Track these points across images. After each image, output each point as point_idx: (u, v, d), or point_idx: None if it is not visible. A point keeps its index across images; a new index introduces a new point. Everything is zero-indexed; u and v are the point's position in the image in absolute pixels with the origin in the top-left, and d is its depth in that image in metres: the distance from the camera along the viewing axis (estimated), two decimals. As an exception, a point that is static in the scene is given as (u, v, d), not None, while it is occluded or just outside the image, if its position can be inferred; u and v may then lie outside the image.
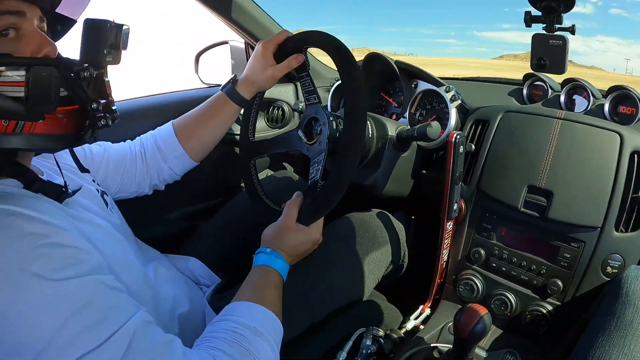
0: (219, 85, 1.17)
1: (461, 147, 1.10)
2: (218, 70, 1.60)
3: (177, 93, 1.52)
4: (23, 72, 0.61)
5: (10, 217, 0.60)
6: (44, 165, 0.83)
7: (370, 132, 1.16)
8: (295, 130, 1.06)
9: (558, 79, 1.30)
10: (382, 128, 1.19)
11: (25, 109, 0.62)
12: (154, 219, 1.35)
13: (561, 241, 1.07)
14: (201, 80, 1.58)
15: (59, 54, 0.72)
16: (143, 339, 0.64)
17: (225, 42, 1.56)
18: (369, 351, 1.04)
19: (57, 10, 0.73)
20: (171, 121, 1.17)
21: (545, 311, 1.06)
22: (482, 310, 0.86)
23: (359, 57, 1.23)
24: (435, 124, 1.11)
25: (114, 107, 0.73)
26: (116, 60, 0.72)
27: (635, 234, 1.02)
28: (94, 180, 0.97)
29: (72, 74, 0.65)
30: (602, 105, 1.23)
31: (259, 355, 0.75)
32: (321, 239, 1.02)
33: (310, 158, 1.01)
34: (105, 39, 0.69)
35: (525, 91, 1.38)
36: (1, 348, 0.56)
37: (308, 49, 1.08)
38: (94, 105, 0.68)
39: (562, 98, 1.29)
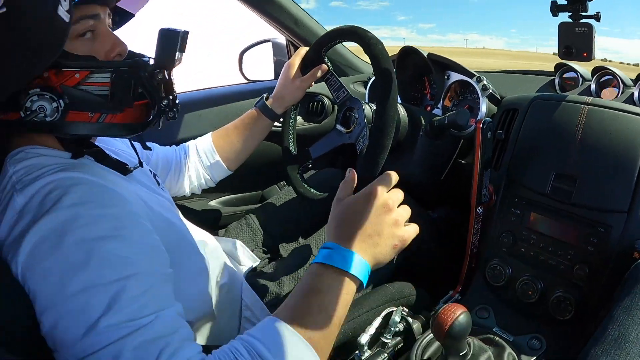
0: (261, 80, 1.27)
1: (489, 133, 1.13)
2: (262, 67, 1.70)
3: (224, 87, 1.64)
4: (108, 75, 0.74)
5: (91, 184, 0.70)
6: (110, 144, 0.96)
7: (403, 120, 1.21)
8: (333, 130, 1.13)
9: (589, 67, 1.30)
10: (415, 117, 1.24)
11: (108, 104, 0.74)
12: (205, 203, 1.44)
13: (588, 226, 1.06)
14: (245, 77, 1.68)
15: (130, 51, 0.83)
16: (152, 333, 0.62)
17: (268, 40, 1.66)
18: (397, 329, 1.06)
19: (119, 5, 0.84)
20: (211, 132, 1.30)
21: (571, 296, 1.05)
22: (458, 310, 0.86)
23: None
24: (464, 111, 1.15)
25: (177, 102, 0.85)
26: (180, 62, 0.85)
27: None
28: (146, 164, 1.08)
29: (146, 74, 0.77)
30: (632, 93, 1.23)
31: None
32: (404, 211, 0.79)
33: (353, 143, 1.08)
34: (177, 47, 0.81)
35: (557, 81, 1.39)
36: (27, 285, 0.63)
37: (329, 50, 1.16)
38: (164, 102, 0.81)
39: (593, 86, 1.29)
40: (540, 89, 1.41)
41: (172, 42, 0.80)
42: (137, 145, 1.05)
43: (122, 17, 0.92)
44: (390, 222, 0.76)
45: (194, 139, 1.31)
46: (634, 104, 1.21)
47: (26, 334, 0.63)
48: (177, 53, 0.81)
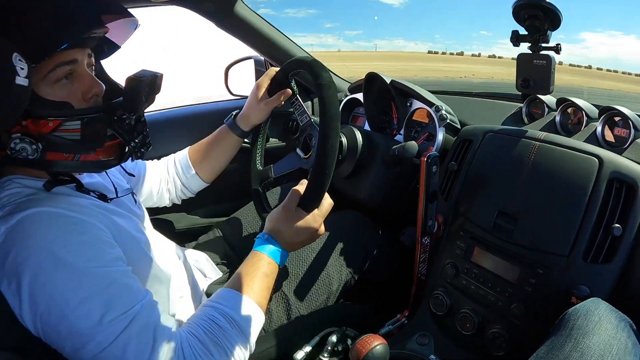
0: (246, 97, 1.33)
1: (434, 167, 1.14)
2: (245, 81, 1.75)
3: (209, 104, 1.71)
4: (78, 122, 0.82)
5: (56, 216, 0.79)
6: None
7: (359, 146, 1.24)
8: (294, 152, 1.18)
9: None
10: (373, 144, 1.27)
11: (81, 146, 0.83)
12: (179, 215, 1.53)
13: (528, 266, 1.06)
14: (230, 92, 1.74)
15: (111, 85, 0.94)
16: (144, 318, 0.79)
17: (250, 57, 1.71)
18: (335, 348, 1.10)
19: (106, 36, 0.91)
20: (188, 147, 1.38)
21: (506, 333, 1.06)
22: (375, 341, 0.90)
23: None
24: (411, 144, 1.16)
25: (148, 140, 0.94)
26: (151, 102, 0.93)
27: (606, 266, 0.98)
28: (127, 182, 1.17)
29: (115, 117, 0.85)
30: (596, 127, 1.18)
31: (231, 348, 0.85)
32: (322, 232, 1.06)
33: (307, 170, 1.12)
34: (143, 92, 0.87)
35: (524, 109, 1.35)
36: (39, 309, 0.75)
37: (295, 75, 1.19)
38: (132, 144, 0.90)
39: (558, 118, 1.25)
40: (507, 118, 1.38)
41: (137, 90, 0.86)
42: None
43: (109, 46, 0.99)
44: (312, 239, 1.06)
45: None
46: (596, 139, 1.17)
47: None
48: (145, 98, 0.88)
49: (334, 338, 1.11)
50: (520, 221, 1.08)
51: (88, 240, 0.80)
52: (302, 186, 1.05)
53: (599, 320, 0.84)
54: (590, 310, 0.87)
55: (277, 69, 1.26)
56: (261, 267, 0.98)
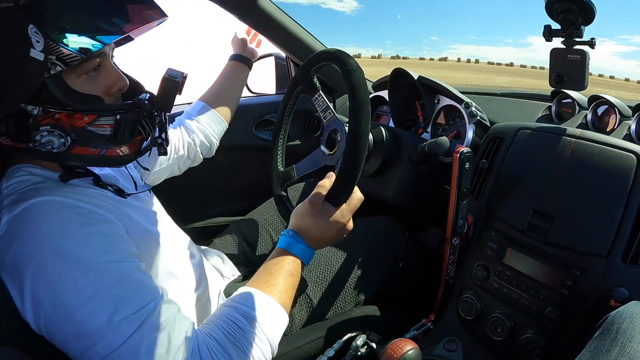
0: (265, 95, 1.31)
1: (467, 164, 1.10)
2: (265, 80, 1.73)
3: None
4: (112, 118, 0.81)
5: (64, 206, 0.75)
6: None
7: (387, 144, 1.20)
8: (318, 149, 1.13)
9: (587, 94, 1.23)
10: (400, 141, 1.23)
11: (111, 142, 0.82)
12: (194, 213, 1.49)
13: (564, 267, 1.01)
14: (249, 89, 1.71)
15: (131, 82, 0.90)
16: (158, 318, 0.74)
17: (271, 55, 1.68)
18: (358, 353, 1.05)
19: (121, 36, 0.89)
20: (199, 101, 1.38)
21: (540, 339, 1.01)
22: (407, 346, 0.86)
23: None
24: (443, 139, 1.12)
25: (169, 139, 0.94)
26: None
27: None
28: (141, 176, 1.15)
29: (145, 113, 0.85)
30: (629, 125, 1.14)
31: (251, 350, 0.79)
32: (351, 228, 1.01)
33: (333, 165, 1.08)
34: (177, 92, 0.88)
35: (554, 108, 1.31)
36: (43, 308, 0.69)
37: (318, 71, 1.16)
38: (159, 141, 0.91)
39: (589, 116, 1.21)
40: (536, 117, 1.34)
41: (173, 90, 0.87)
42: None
43: (125, 39, 0.97)
44: (340, 235, 1.00)
45: None
46: (630, 137, 1.13)
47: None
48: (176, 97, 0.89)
49: (358, 342, 1.06)
50: (557, 220, 1.03)
51: (98, 232, 0.75)
52: (329, 179, 1.00)
53: None
54: (636, 313, 0.83)
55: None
56: (285, 265, 0.92)
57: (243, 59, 1.45)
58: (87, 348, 0.69)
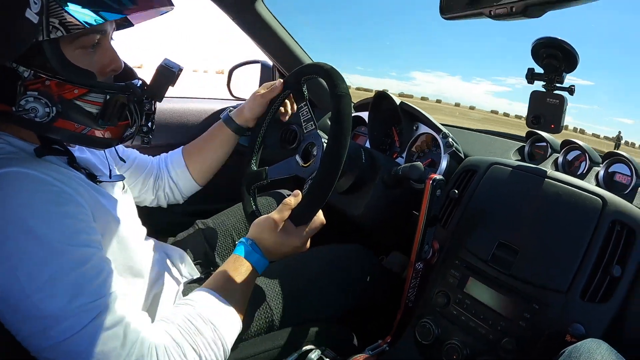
0: (245, 100, 1.30)
1: (438, 190, 1.12)
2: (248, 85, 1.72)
3: (209, 100, 1.66)
4: (102, 96, 0.79)
5: (36, 180, 0.71)
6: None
7: (361, 161, 1.21)
8: (293, 157, 1.14)
9: (560, 139, 1.29)
10: (375, 162, 1.24)
11: (96, 121, 0.80)
12: (159, 209, 1.44)
13: (523, 300, 1.03)
14: (231, 94, 1.71)
15: (125, 67, 0.89)
16: (115, 310, 0.71)
17: (258, 62, 1.68)
18: None
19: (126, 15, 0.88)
20: (181, 147, 1.34)
21: (495, 369, 1.01)
22: None
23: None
24: (417, 165, 1.14)
25: (154, 128, 0.94)
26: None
27: (603, 306, 0.96)
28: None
29: (136, 99, 0.84)
30: (598, 172, 1.20)
31: (205, 352, 0.79)
32: (306, 249, 1.04)
33: (304, 178, 1.09)
34: (171, 82, 0.90)
35: (527, 148, 1.36)
36: (2, 281, 0.66)
37: (307, 81, 1.16)
38: (145, 129, 0.91)
39: (560, 159, 1.26)
40: (508, 155, 1.39)
41: (168, 79, 0.89)
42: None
43: (125, 24, 0.96)
44: (295, 252, 1.03)
45: (172, 146, 1.35)
46: (598, 182, 1.18)
47: None
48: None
49: (312, 356, 1.06)
50: (520, 254, 1.06)
51: (66, 213, 0.72)
52: (295, 198, 1.03)
53: None
54: (593, 349, 0.84)
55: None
56: (242, 271, 0.94)
57: (239, 130, 1.31)
58: (38, 331, 0.67)
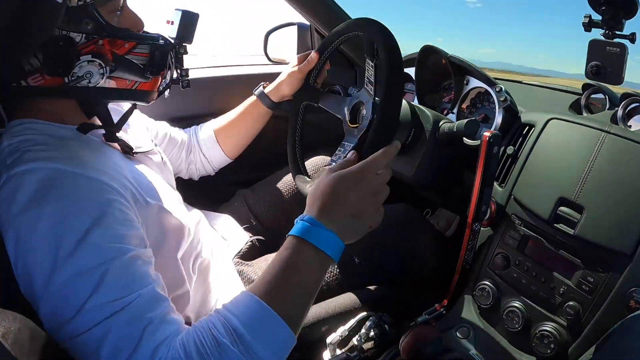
0: (286, 63, 1.26)
1: (495, 147, 1.06)
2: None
3: (247, 67, 1.63)
4: (148, 47, 0.85)
5: (68, 175, 0.70)
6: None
7: (411, 119, 1.15)
8: (344, 103, 1.08)
9: (618, 91, 1.20)
10: (423, 118, 1.18)
11: (145, 72, 0.85)
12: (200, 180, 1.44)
13: (587, 263, 0.98)
14: (268, 57, 1.66)
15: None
16: (137, 310, 0.67)
17: (294, 24, 1.62)
18: (370, 333, 1.04)
19: None
20: (212, 120, 1.33)
21: (556, 333, 0.98)
22: (429, 335, 0.85)
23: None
24: (472, 121, 1.08)
25: (189, 74, 0.99)
26: None
27: None
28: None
29: (173, 50, 0.90)
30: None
31: None
32: (386, 192, 0.81)
33: (344, 138, 1.04)
34: (195, 27, 0.95)
35: (583, 101, 1.29)
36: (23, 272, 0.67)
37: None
38: (183, 73, 0.96)
39: (620, 113, 1.18)
40: (564, 108, 1.31)
41: (193, 20, 0.94)
42: (141, 122, 1.13)
43: None
44: (373, 204, 0.79)
45: (208, 115, 1.34)
46: None
47: None
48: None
49: (370, 323, 1.05)
50: (585, 213, 1.00)
51: (100, 204, 0.71)
52: (351, 157, 0.86)
53: None
54: None
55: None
56: (301, 264, 0.72)
57: (274, 105, 1.28)
58: (60, 326, 0.65)
